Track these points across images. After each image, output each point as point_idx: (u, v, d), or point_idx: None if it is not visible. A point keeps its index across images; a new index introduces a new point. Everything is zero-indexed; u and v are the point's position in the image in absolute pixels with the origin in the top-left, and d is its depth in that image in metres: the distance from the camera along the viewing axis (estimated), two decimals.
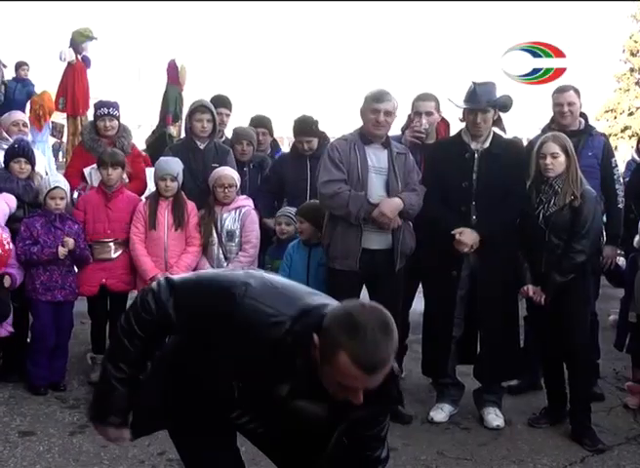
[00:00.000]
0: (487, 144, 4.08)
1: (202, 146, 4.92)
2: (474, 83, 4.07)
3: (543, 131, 4.68)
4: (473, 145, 4.08)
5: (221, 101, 5.57)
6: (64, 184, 4.51)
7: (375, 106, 4.01)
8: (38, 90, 9.31)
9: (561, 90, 4.67)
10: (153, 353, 2.18)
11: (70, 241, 4.35)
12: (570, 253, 3.86)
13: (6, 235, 4.26)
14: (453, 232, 3.98)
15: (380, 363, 1.79)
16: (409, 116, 4.80)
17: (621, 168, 6.47)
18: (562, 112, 4.59)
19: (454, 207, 4.07)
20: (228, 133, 5.52)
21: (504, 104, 4.07)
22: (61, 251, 4.32)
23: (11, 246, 4.27)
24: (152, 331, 2.09)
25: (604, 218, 4.69)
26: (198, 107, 4.95)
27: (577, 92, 4.63)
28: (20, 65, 9.78)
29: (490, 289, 4.01)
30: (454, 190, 4.06)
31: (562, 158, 3.90)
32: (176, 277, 2.14)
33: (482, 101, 4.01)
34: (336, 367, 1.80)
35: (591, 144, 4.60)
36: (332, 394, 1.90)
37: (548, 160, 3.90)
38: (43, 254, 4.31)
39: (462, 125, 4.22)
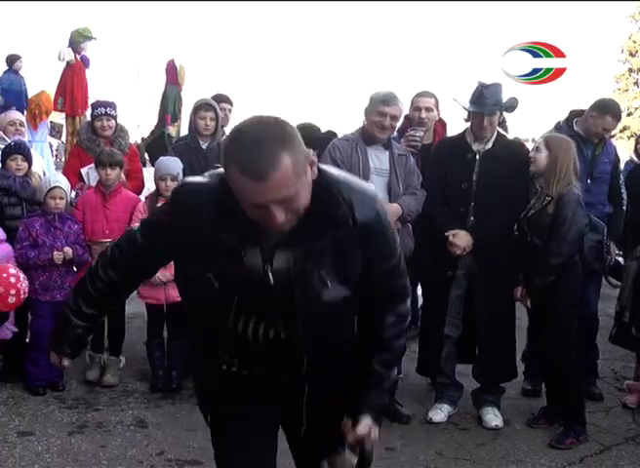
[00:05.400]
0: (489, 145, 4.05)
1: (204, 146, 4.92)
2: (481, 85, 3.99)
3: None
4: (475, 146, 4.06)
5: (223, 98, 5.59)
6: (65, 184, 4.50)
7: (382, 109, 3.95)
8: (37, 89, 9.29)
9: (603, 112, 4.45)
10: None
11: (69, 251, 4.34)
12: (546, 255, 3.78)
13: (22, 276, 4.13)
14: (446, 234, 3.96)
15: (262, 166, 1.59)
16: (406, 117, 4.79)
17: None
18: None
19: (453, 207, 4.05)
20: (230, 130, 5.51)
21: (511, 106, 4.06)
22: (57, 256, 4.31)
23: (24, 285, 4.12)
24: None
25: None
26: (202, 105, 4.96)
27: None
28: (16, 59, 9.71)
29: (487, 290, 3.99)
30: (453, 191, 4.05)
31: (543, 154, 3.86)
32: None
33: (489, 104, 3.95)
34: (234, 185, 1.66)
35: (607, 151, 4.58)
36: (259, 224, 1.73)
37: (531, 153, 3.95)
38: (39, 260, 4.30)
39: (463, 125, 4.20)
